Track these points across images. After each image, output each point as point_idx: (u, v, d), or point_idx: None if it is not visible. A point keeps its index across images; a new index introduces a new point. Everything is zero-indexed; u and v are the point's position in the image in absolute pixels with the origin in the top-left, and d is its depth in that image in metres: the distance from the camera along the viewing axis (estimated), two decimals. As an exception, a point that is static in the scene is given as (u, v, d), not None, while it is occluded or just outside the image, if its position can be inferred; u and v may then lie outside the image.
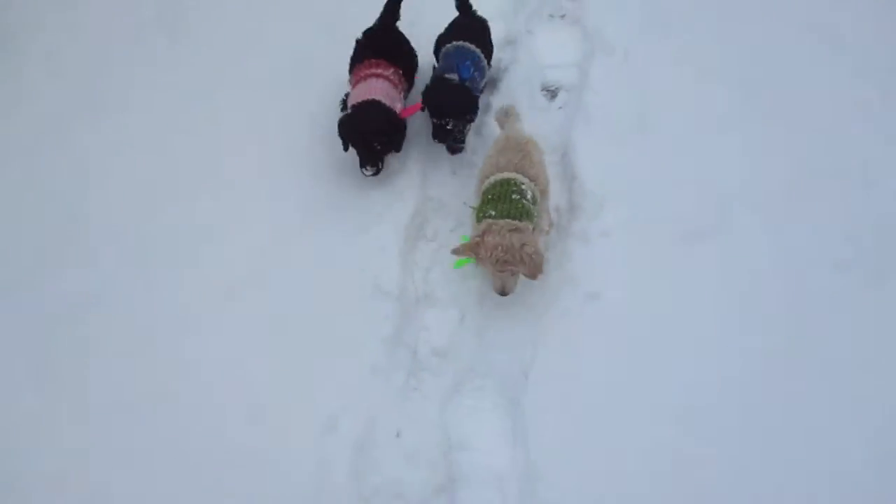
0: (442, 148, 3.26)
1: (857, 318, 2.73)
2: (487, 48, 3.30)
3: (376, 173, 3.09)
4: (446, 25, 3.31)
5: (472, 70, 3.10)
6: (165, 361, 2.75)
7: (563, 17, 3.85)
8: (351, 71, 3.21)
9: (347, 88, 3.21)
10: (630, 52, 3.53)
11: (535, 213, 2.78)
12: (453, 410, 2.73)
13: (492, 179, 2.81)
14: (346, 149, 3.07)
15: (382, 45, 3.19)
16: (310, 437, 2.58)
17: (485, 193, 2.82)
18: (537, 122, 3.42)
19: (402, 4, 3.24)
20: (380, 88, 3.05)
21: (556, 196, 3.16)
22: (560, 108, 3.53)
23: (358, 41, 3.22)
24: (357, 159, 3.07)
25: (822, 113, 3.24)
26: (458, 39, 3.21)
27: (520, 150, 2.86)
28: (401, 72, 3.20)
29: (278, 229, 3.06)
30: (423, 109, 3.13)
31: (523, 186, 2.76)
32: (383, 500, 2.49)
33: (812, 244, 2.91)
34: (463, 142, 3.22)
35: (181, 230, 3.08)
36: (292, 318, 2.82)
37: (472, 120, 3.19)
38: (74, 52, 3.70)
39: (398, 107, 3.11)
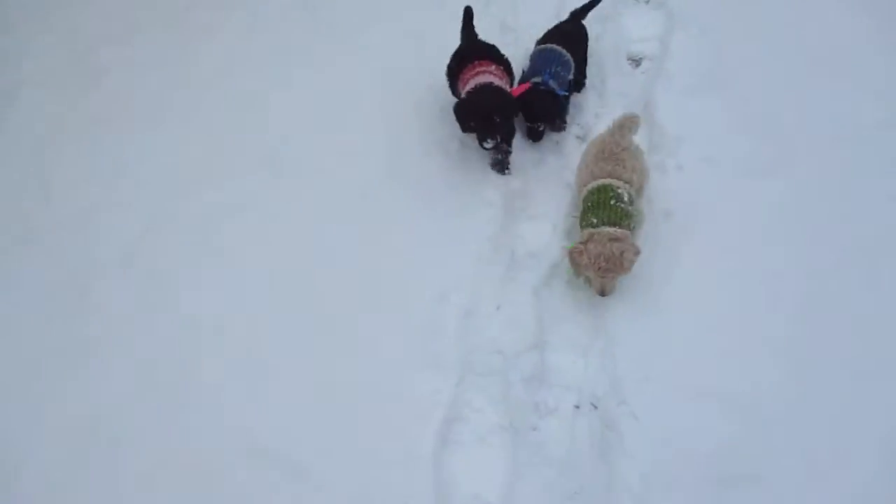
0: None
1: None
2: (579, 54, 3.65)
3: (497, 146, 3.33)
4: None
5: (552, 74, 3.44)
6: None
7: (647, 2, 4.41)
8: (454, 84, 3.54)
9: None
10: (706, 27, 4.05)
11: (633, 213, 3.06)
12: (546, 297, 3.20)
13: (590, 187, 3.08)
14: (464, 130, 3.34)
15: (477, 51, 3.51)
16: (424, 304, 3.09)
17: (584, 201, 3.08)
18: (623, 84, 3.96)
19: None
20: (490, 77, 3.35)
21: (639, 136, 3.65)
22: (643, 72, 4.05)
23: (449, 66, 3.54)
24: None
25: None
26: (550, 42, 3.59)
27: (612, 158, 3.09)
28: (502, 68, 3.49)
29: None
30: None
31: (619, 190, 3.01)
32: (484, 354, 2.97)
33: (869, 179, 3.31)
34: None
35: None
36: (413, 215, 3.37)
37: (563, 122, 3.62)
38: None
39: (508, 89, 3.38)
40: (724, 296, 2.96)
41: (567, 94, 3.58)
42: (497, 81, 3.33)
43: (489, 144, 3.28)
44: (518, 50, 3.96)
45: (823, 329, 2.83)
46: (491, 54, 3.51)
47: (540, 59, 3.57)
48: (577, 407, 2.82)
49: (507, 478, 2.65)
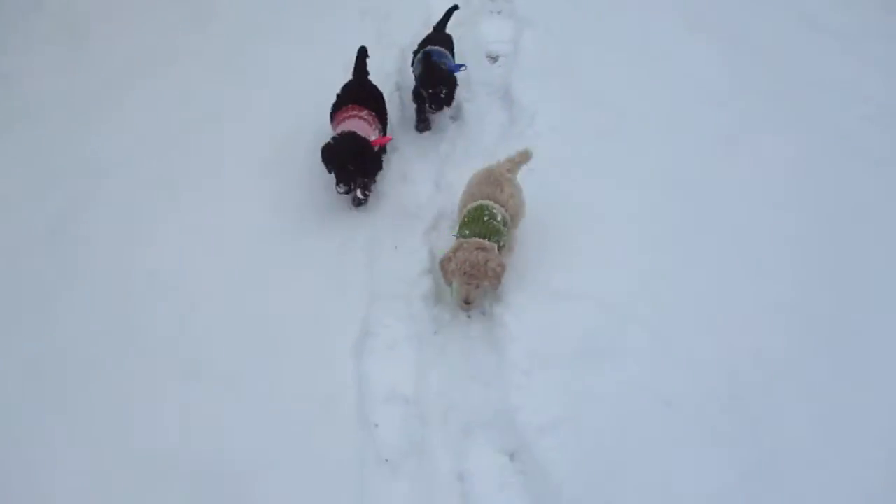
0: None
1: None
2: (452, 53, 4.25)
3: (348, 192, 3.59)
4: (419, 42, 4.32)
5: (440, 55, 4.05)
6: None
7: (500, 13, 5.21)
8: (332, 119, 3.80)
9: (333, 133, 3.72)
10: (549, 29, 4.88)
11: (505, 233, 3.24)
12: (433, 237, 3.75)
13: (469, 206, 3.30)
14: (329, 171, 3.56)
15: (357, 94, 3.83)
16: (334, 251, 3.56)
17: (462, 218, 3.31)
18: (484, 76, 4.68)
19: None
20: (356, 125, 3.63)
21: (498, 114, 4.36)
22: (500, 66, 4.79)
23: (338, 94, 3.85)
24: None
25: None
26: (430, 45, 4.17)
27: (493, 184, 3.33)
28: (374, 114, 3.78)
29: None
30: (385, 147, 3.86)
31: (494, 210, 3.23)
32: (389, 282, 3.47)
33: (682, 134, 4.16)
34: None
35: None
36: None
37: (452, 90, 4.05)
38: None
39: (371, 138, 3.65)
40: (585, 221, 3.62)
41: (454, 72, 4.08)
42: (364, 128, 3.64)
43: (341, 189, 3.54)
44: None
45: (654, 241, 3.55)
46: (367, 100, 3.83)
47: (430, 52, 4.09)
48: (469, 316, 3.35)
49: (417, 373, 3.13)
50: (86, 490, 2.72)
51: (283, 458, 2.80)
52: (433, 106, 4.09)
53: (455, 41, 4.59)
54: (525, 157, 3.50)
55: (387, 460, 2.87)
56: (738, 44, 4.77)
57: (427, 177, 4.06)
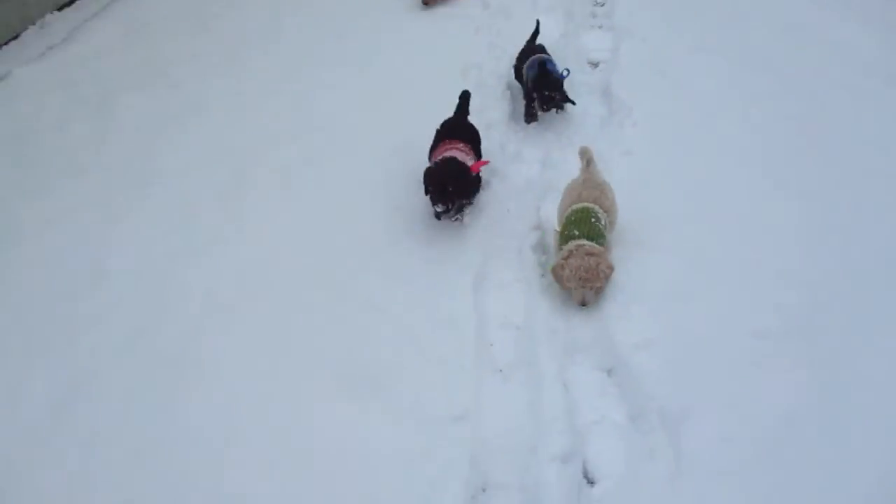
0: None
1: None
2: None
3: (446, 211, 3.76)
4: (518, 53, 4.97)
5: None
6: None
7: (600, 27, 5.79)
8: (430, 155, 4.09)
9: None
10: (647, 37, 5.40)
11: (607, 238, 3.50)
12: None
13: (574, 207, 3.53)
14: (426, 192, 3.81)
15: (454, 129, 4.15)
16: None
17: (568, 217, 3.53)
18: (584, 79, 5.23)
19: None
20: (456, 153, 3.93)
21: (598, 108, 4.88)
22: (600, 71, 5.34)
23: (437, 129, 4.15)
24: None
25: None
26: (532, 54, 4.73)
27: (597, 188, 3.61)
28: (469, 146, 4.05)
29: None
30: (482, 168, 4.09)
31: (599, 214, 3.48)
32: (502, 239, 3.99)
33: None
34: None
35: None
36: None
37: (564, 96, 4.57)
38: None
39: (469, 163, 3.91)
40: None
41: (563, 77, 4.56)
42: (462, 156, 3.90)
43: (439, 209, 3.73)
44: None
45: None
46: (464, 134, 4.12)
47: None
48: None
49: (526, 306, 3.62)
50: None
51: (413, 361, 3.31)
52: (545, 107, 4.62)
53: (558, 50, 5.17)
54: (588, 153, 3.78)
55: (500, 370, 3.34)
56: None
57: (535, 158, 4.59)
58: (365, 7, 6.08)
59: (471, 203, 4.02)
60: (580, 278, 3.32)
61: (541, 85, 4.50)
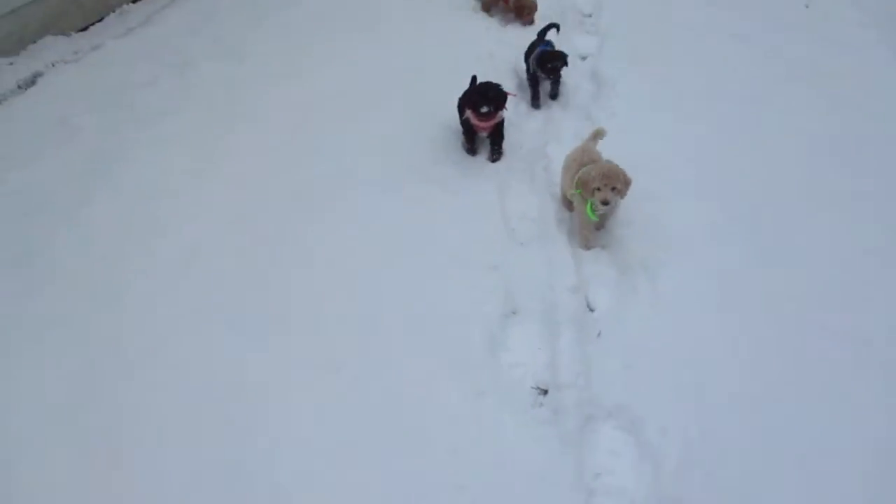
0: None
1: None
2: None
3: (489, 113, 4.77)
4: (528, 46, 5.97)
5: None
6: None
7: (587, 32, 7.14)
8: (461, 113, 5.06)
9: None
10: (625, 37, 6.75)
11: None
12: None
13: (583, 170, 4.13)
14: (468, 107, 4.87)
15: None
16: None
17: (578, 178, 4.14)
18: (575, 68, 6.50)
19: None
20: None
21: (588, 87, 6.15)
22: (588, 62, 6.64)
23: (458, 103, 5.10)
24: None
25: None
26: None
27: (591, 157, 4.29)
28: None
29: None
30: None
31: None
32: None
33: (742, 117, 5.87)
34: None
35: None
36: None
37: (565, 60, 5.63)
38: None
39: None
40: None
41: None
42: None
43: (485, 109, 4.74)
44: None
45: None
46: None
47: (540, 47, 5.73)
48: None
49: (539, 203, 4.79)
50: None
51: (454, 231, 4.44)
52: (551, 76, 5.78)
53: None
54: (601, 133, 4.59)
55: (521, 244, 4.47)
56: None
57: (541, 116, 5.83)
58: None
59: (501, 131, 5.03)
60: (604, 175, 3.92)
61: (549, 58, 5.68)
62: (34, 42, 6.36)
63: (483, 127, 4.97)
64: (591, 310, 4.05)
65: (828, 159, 4.97)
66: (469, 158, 5.17)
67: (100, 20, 7.04)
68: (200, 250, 4.34)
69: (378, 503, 3.10)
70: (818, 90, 5.75)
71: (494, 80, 5.03)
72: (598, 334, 3.85)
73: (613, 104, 5.79)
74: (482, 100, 4.80)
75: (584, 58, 6.68)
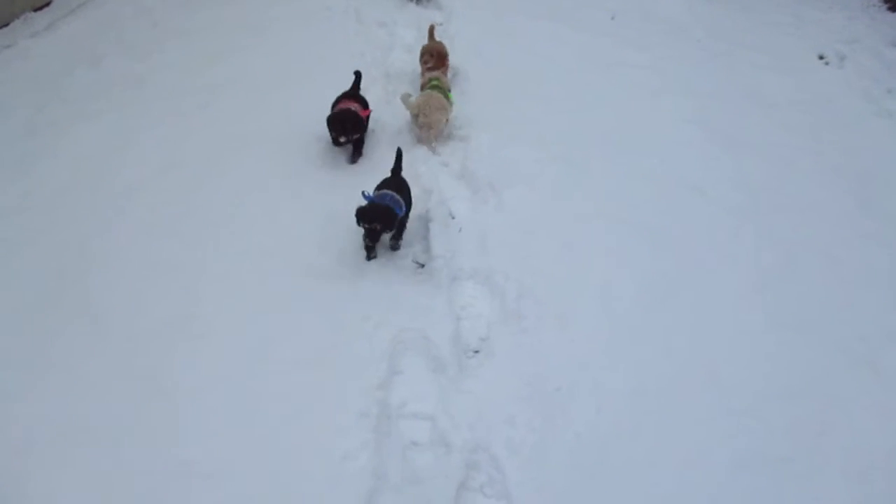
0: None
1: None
2: (407, 199, 4.93)
3: (347, 142, 5.50)
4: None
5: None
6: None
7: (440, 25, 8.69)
8: (333, 107, 5.69)
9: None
10: (473, 39, 8.35)
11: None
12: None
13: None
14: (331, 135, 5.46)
15: (346, 96, 5.79)
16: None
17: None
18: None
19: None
20: (350, 104, 5.58)
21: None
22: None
23: (337, 97, 5.79)
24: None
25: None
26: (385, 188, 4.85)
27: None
28: (359, 104, 5.70)
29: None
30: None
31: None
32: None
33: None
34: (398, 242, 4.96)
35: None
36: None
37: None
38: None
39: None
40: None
41: (402, 214, 4.73)
42: (354, 107, 5.57)
43: (343, 140, 5.43)
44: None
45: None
46: (355, 97, 5.82)
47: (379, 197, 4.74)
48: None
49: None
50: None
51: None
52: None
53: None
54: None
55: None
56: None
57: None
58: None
59: (362, 140, 5.76)
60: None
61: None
62: (-54, 41, 7.03)
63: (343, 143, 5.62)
64: (453, 217, 5.42)
65: (631, 101, 6.70)
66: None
67: (5, 25, 7.77)
68: (138, 189, 5.35)
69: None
70: (618, 74, 7.52)
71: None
72: (459, 230, 5.21)
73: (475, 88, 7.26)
74: (340, 129, 5.47)
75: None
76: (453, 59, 7.31)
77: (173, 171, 5.56)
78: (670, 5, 9.02)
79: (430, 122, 5.87)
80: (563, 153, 6.01)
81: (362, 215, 4.50)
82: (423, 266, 4.91)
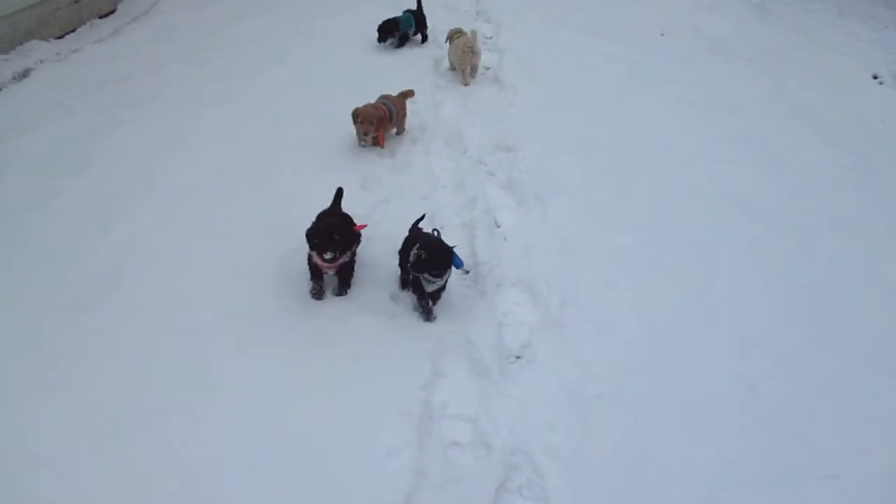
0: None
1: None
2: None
3: (333, 259, 4.19)
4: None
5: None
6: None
7: (489, 49, 8.83)
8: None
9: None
10: (518, 53, 8.47)
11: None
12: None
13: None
14: (311, 248, 4.19)
15: (329, 213, 4.53)
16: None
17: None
18: (484, 74, 8.16)
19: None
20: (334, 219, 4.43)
21: (492, 87, 7.77)
22: (492, 71, 8.29)
23: (318, 216, 4.43)
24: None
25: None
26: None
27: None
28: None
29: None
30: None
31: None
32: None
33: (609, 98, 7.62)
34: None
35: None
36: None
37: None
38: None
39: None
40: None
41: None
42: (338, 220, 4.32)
43: (328, 256, 4.11)
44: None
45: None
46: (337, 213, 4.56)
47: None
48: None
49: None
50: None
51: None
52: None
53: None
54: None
55: (444, 186, 5.93)
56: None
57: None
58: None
59: (354, 255, 4.53)
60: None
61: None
62: (21, 44, 7.41)
63: (328, 267, 4.38)
64: (498, 226, 5.50)
65: (679, 117, 6.73)
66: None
67: (73, 31, 8.14)
68: (193, 190, 5.55)
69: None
70: (666, 90, 7.56)
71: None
72: (504, 238, 5.29)
73: (512, 98, 7.40)
74: (326, 243, 4.13)
75: (487, 68, 8.31)
76: (503, 72, 7.46)
77: (229, 172, 5.73)
78: (721, 24, 9.04)
79: (475, 49, 7.30)
80: (609, 166, 6.07)
81: (433, 262, 4.19)
82: (468, 272, 4.98)
